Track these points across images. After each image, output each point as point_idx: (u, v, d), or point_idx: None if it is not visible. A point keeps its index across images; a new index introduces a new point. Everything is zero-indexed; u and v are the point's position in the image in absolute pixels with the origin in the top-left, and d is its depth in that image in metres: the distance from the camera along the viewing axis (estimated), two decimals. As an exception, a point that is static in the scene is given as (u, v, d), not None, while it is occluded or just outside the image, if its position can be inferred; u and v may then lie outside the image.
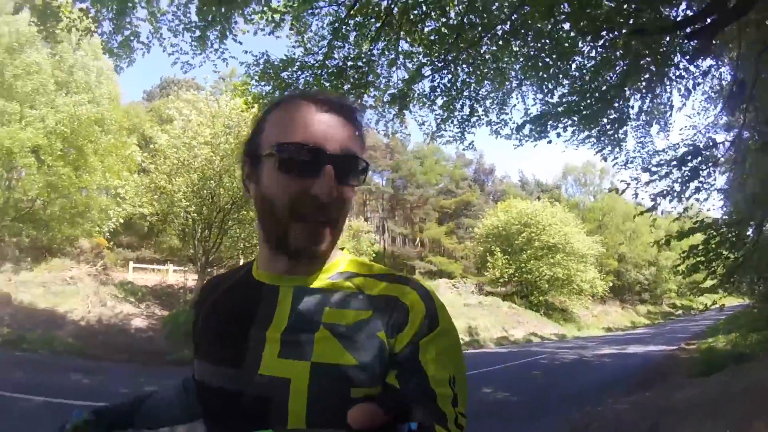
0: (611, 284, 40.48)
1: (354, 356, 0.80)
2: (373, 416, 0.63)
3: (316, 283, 0.89)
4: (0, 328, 11.94)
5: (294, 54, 8.06)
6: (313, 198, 0.81)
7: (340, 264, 0.94)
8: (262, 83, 8.20)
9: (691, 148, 9.32)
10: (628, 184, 9.27)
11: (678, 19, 6.76)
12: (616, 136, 9.22)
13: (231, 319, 0.93)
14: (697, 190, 9.45)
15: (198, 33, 7.18)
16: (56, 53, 17.27)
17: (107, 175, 19.14)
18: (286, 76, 7.97)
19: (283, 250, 0.88)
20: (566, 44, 7.28)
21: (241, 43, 7.57)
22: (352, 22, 7.56)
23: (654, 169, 9.16)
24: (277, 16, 7.31)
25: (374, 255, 33.26)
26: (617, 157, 9.61)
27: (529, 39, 7.41)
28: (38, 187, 17.02)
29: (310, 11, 7.64)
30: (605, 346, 20.62)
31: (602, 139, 9.35)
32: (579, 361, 15.08)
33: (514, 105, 9.34)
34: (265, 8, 7.11)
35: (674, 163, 8.85)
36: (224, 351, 0.89)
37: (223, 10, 6.77)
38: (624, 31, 6.32)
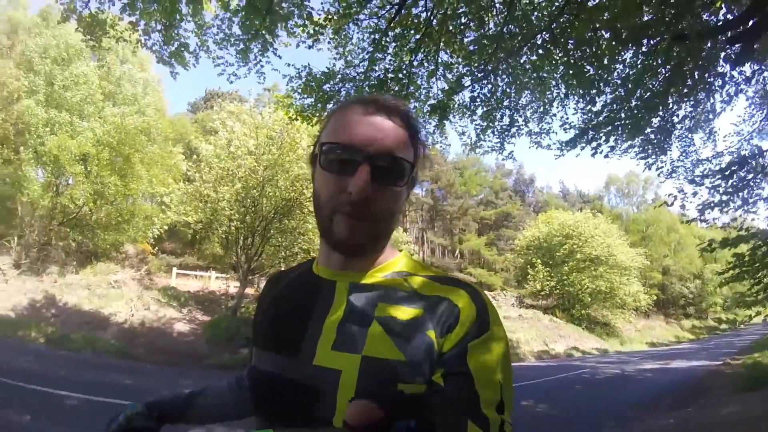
0: (655, 298, 39.19)
1: (403, 352, 0.81)
2: (371, 414, 0.64)
3: (372, 280, 0.92)
4: (45, 328, 12.40)
5: (335, 66, 8.16)
6: (348, 195, 0.84)
7: (396, 263, 0.96)
8: (305, 96, 8.30)
9: (736, 157, 9.07)
10: (675, 197, 9.07)
11: (719, 23, 6.59)
12: (659, 145, 9.03)
13: (291, 310, 0.97)
14: (744, 201, 9.20)
15: (241, 46, 7.35)
16: (104, 65, 17.89)
17: (153, 184, 19.69)
18: (327, 89, 8.07)
19: (329, 242, 0.93)
20: (607, 52, 7.19)
21: (280, 57, 7.68)
22: (392, 33, 7.62)
23: (699, 180, 8.95)
24: (318, 29, 7.41)
25: (420, 259, 33.19)
26: (661, 167, 9.41)
27: (569, 48, 7.33)
28: (86, 194, 17.62)
29: (350, 23, 7.74)
30: (648, 361, 20.06)
31: (646, 148, 9.16)
32: (621, 376, 14.70)
33: (554, 114, 9.23)
34: (307, 21, 7.21)
35: (719, 174, 8.64)
36: (283, 340, 0.93)
37: (266, 23, 6.91)
38: (665, 37, 6.21)
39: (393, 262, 0.96)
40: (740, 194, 8.96)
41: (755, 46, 5.91)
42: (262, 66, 7.61)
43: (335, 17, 7.42)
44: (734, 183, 8.61)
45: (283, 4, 6.98)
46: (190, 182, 18.30)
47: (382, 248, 0.96)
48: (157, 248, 25.45)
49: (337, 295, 0.92)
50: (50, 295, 15.24)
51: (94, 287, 16.68)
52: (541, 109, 9.17)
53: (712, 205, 8.89)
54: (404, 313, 0.85)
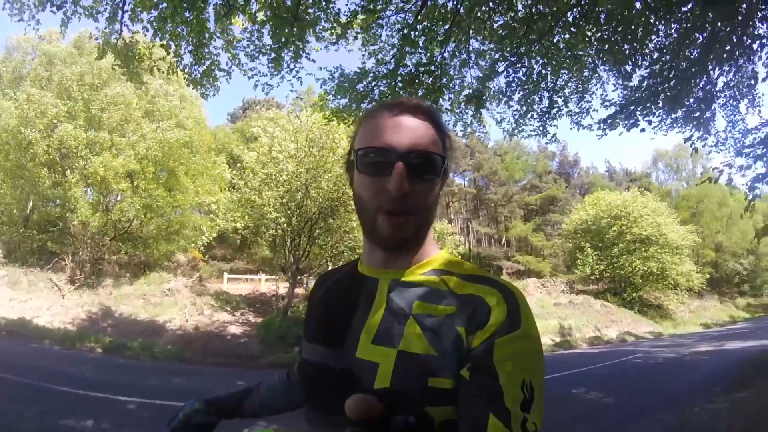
0: (708, 276, 37.81)
1: (434, 348, 0.85)
2: (370, 407, 0.65)
3: (411, 278, 0.97)
4: (102, 338, 12.92)
5: (366, 65, 8.19)
6: (388, 193, 0.89)
7: (435, 261, 0.99)
8: (339, 97, 8.37)
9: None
10: (721, 171, 8.75)
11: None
12: (703, 116, 8.72)
13: (338, 306, 1.04)
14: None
15: (273, 55, 7.47)
16: (142, 84, 18.47)
17: (199, 194, 20.23)
18: (361, 88, 8.09)
19: (374, 241, 0.99)
20: (640, 24, 7.00)
21: (314, 61, 7.77)
22: (420, 27, 7.58)
23: (747, 151, 8.61)
24: (345, 30, 7.46)
25: (459, 257, 32.93)
26: (706, 139, 9.09)
27: (601, 23, 7.18)
28: (135, 208, 18.31)
29: (377, 21, 7.76)
30: (702, 343, 19.43)
31: (689, 121, 8.87)
32: (674, 359, 14.30)
33: (593, 92, 9.04)
34: (335, 24, 7.27)
35: (763, 144, 8.29)
36: (330, 334, 1.00)
37: (295, 30, 7.01)
38: (697, 3, 6.03)
39: (433, 259, 1.00)
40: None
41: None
42: (297, 72, 7.69)
43: (362, 16, 7.45)
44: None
45: (309, 10, 7.05)
46: (235, 190, 18.71)
47: (423, 243, 1.00)
48: (207, 255, 26.18)
49: (379, 292, 0.97)
50: (106, 306, 15.91)
51: (149, 296, 17.33)
52: (580, 88, 8.99)
53: (761, 177, 8.54)
54: (438, 310, 0.89)
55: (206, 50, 7.44)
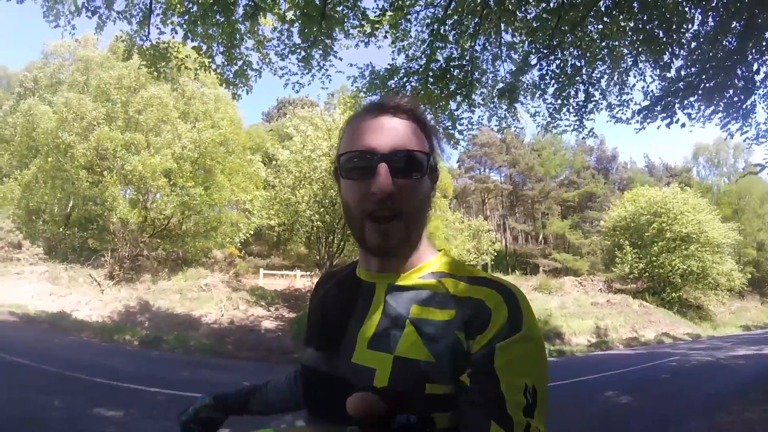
0: (749, 276, 36.22)
1: (432, 353, 0.84)
2: (372, 406, 0.66)
3: (407, 282, 0.95)
4: (139, 331, 13.31)
5: (396, 62, 8.17)
6: (373, 196, 0.88)
7: (433, 264, 0.98)
8: (370, 94, 8.35)
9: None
10: (763, 165, 8.47)
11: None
12: (743, 107, 8.44)
13: (335, 311, 1.03)
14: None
15: (303, 54, 7.52)
16: (177, 87, 18.94)
17: (235, 192, 20.59)
18: (393, 85, 8.07)
19: (364, 248, 0.98)
20: (675, 12, 6.82)
21: (341, 59, 7.76)
22: (449, 21, 7.55)
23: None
24: (374, 27, 7.46)
25: (495, 254, 32.67)
26: (747, 131, 8.79)
27: (635, 11, 7.01)
28: (172, 206, 18.82)
29: (406, 17, 7.74)
30: (741, 346, 18.66)
31: (729, 112, 8.59)
32: (711, 363, 13.81)
33: (633, 85, 8.76)
34: (363, 21, 7.25)
35: None
36: (327, 338, 0.99)
37: (323, 28, 7.05)
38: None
39: (430, 262, 0.99)
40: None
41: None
42: (327, 70, 7.72)
43: (390, 12, 7.44)
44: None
45: (338, 8, 7.07)
46: (270, 188, 18.97)
47: (417, 246, 0.99)
48: (243, 251, 26.64)
49: (376, 296, 0.96)
50: (144, 301, 16.37)
51: (186, 291, 17.75)
52: (618, 80, 8.79)
53: None
54: (436, 314, 0.88)
55: (237, 51, 7.56)
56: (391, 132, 0.91)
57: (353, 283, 1.04)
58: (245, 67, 7.79)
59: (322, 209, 17.00)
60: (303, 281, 23.14)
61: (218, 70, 7.87)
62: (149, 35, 7.51)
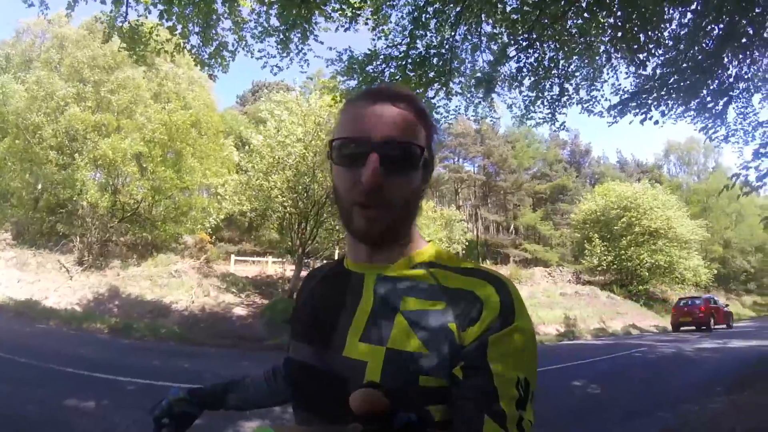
0: (715, 272, 37.52)
1: (425, 345, 0.82)
2: (374, 402, 0.63)
3: (398, 272, 0.93)
4: (109, 319, 13.08)
5: (376, 47, 8.12)
6: (361, 185, 0.86)
7: (424, 255, 0.96)
8: (348, 78, 8.28)
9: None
10: (738, 176, 8.58)
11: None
12: (716, 108, 8.61)
13: (324, 303, 1.01)
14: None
15: (281, 36, 7.41)
16: (151, 66, 18.55)
17: (207, 176, 20.32)
18: (371, 70, 8.02)
19: (353, 235, 0.95)
20: (655, 12, 6.88)
21: (322, 42, 7.68)
22: (431, 9, 7.50)
23: (764, 150, 8.47)
24: (355, 12, 7.37)
25: (467, 243, 32.98)
26: (717, 130, 8.96)
27: (614, 9, 7.06)
28: (143, 190, 18.50)
29: (388, 2, 7.67)
30: (707, 339, 19.27)
31: (702, 112, 8.75)
32: (677, 355, 14.18)
33: (605, 81, 8.91)
34: (344, 5, 7.18)
35: None
36: (316, 332, 0.96)
37: (303, 11, 6.93)
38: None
39: (420, 253, 0.97)
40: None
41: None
42: (304, 54, 7.64)
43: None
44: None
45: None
46: (243, 172, 18.78)
47: (407, 237, 0.97)
48: (215, 237, 26.32)
49: (366, 288, 0.94)
50: (113, 287, 16.07)
51: (156, 278, 17.47)
52: (591, 75, 8.87)
53: None
54: (427, 306, 0.86)
55: (214, 32, 7.41)
56: (386, 120, 0.88)
57: (341, 274, 1.02)
58: (221, 48, 7.63)
59: (295, 195, 16.87)
60: (275, 268, 23.05)
61: (193, 51, 7.70)
62: (127, 15, 7.29)
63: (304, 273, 19.20)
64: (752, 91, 8.54)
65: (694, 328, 22.97)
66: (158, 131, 18.68)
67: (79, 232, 18.67)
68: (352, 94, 8.40)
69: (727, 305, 27.49)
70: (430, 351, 0.81)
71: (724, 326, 24.11)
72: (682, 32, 7.37)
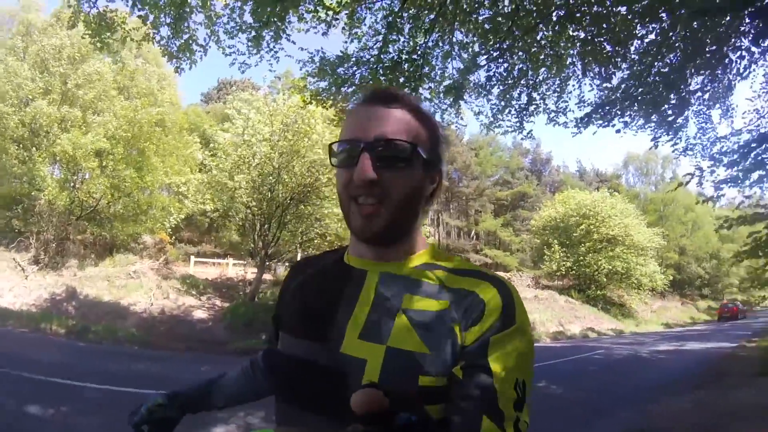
0: (671, 278, 39.00)
1: (426, 345, 0.83)
2: (376, 402, 0.63)
3: (401, 271, 0.94)
4: (66, 320, 12.65)
5: (348, 50, 8.09)
6: (354, 183, 0.88)
7: (425, 255, 0.97)
8: (319, 80, 8.23)
9: (755, 135, 8.89)
10: (692, 175, 8.93)
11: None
12: (676, 121, 8.88)
13: (321, 298, 0.99)
14: (761, 178, 9.05)
15: (253, 34, 7.31)
16: (119, 61, 18.06)
17: (169, 174, 19.86)
18: (342, 72, 8.00)
19: (352, 232, 0.96)
20: (623, 28, 7.05)
21: (294, 42, 7.60)
22: (406, 14, 7.51)
23: (717, 157, 8.80)
24: (330, 14, 7.34)
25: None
26: (677, 143, 9.26)
27: (585, 23, 7.20)
28: (102, 188, 17.83)
29: (364, 6, 7.65)
30: (663, 342, 20.01)
31: (662, 124, 9.02)
32: (635, 357, 14.68)
33: (571, 91, 9.08)
34: (319, 6, 7.14)
35: (738, 152, 8.50)
36: (312, 326, 0.94)
37: (278, 9, 6.85)
38: (683, 12, 6.07)
39: (423, 253, 0.98)
40: (757, 172, 8.82)
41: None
42: (276, 53, 7.55)
43: (348, 0, 7.34)
44: (751, 162, 8.47)
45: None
46: (206, 171, 18.47)
47: (408, 237, 0.97)
48: (174, 237, 25.70)
49: (367, 284, 0.94)
50: (70, 288, 15.51)
51: (114, 278, 16.95)
52: (558, 86, 9.03)
53: (728, 180, 8.77)
54: (430, 305, 0.86)
55: (185, 24, 7.24)
56: (380, 121, 0.91)
57: (341, 269, 1.01)
58: (191, 42, 7.47)
59: (259, 196, 16.63)
60: (235, 270, 22.60)
61: (162, 42, 7.50)
62: (96, 2, 7.06)
63: (266, 276, 19.02)
64: (711, 107, 8.84)
65: (729, 317, 37.90)
66: (122, 128, 18.12)
67: (36, 229, 17.92)
68: (322, 95, 8.38)
69: (745, 307, 41.14)
70: (431, 350, 0.82)
71: (743, 317, 39.16)
72: (648, 47, 7.54)
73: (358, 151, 0.88)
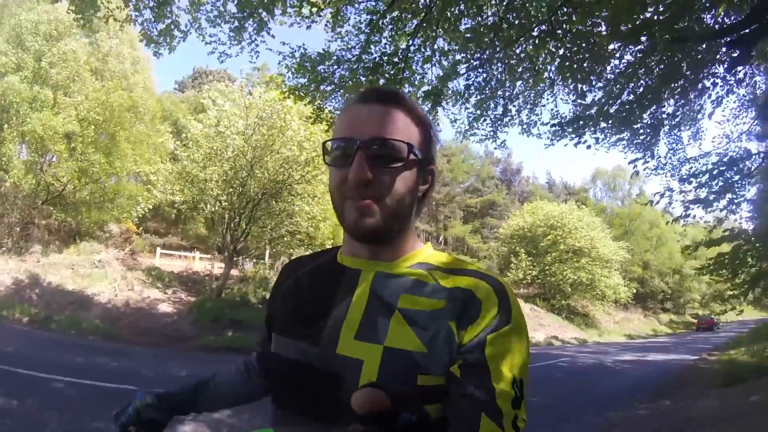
0: (634, 291, 39.91)
1: (424, 344, 0.82)
2: (378, 402, 0.63)
3: (396, 270, 0.93)
4: (28, 308, 12.29)
5: (330, 48, 8.07)
6: (349, 183, 0.87)
7: (422, 254, 0.97)
8: (298, 75, 8.20)
9: (725, 158, 9.16)
10: (662, 195, 9.16)
11: (719, 27, 6.62)
12: (647, 141, 9.09)
13: (314, 297, 0.98)
14: (730, 201, 9.32)
15: (236, 24, 7.24)
16: (93, 41, 17.61)
17: (138, 162, 19.43)
18: (322, 70, 7.98)
19: (346, 231, 0.94)
20: (603, 47, 7.18)
21: (274, 36, 7.57)
22: (390, 16, 7.52)
23: (687, 178, 9.04)
24: (315, 10, 7.31)
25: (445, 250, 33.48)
26: (647, 162, 9.48)
27: (566, 40, 7.31)
28: (70, 172, 17.34)
29: (348, 4, 7.65)
30: (626, 352, 20.42)
31: (634, 142, 9.22)
32: (600, 366, 14.95)
33: (545, 105, 9.20)
34: (305, 2, 7.12)
35: (708, 174, 8.74)
36: (305, 328, 0.93)
37: (264, 1, 6.81)
38: (664, 36, 6.21)
39: (418, 252, 0.97)
40: (726, 194, 9.08)
41: (752, 53, 5.94)
42: (257, 45, 7.50)
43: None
44: (720, 183, 8.72)
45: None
46: (177, 161, 18.15)
47: (403, 236, 0.96)
48: (141, 228, 25.20)
49: (362, 284, 0.93)
50: (33, 274, 15.02)
51: (78, 267, 16.48)
52: (533, 99, 9.15)
53: (697, 202, 9.01)
54: (426, 304, 0.86)
55: (168, 9, 7.14)
56: (373, 120, 0.90)
57: (334, 269, 0.99)
58: (172, 27, 7.36)
59: (230, 190, 16.41)
60: (202, 264, 22.20)
61: (144, 26, 7.39)
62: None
63: (233, 271, 18.79)
64: (682, 129, 9.08)
65: (706, 327, 42.81)
66: (94, 111, 17.64)
67: (0, 212, 17.45)
68: (300, 91, 8.35)
69: (717, 319, 43.42)
70: (429, 350, 0.82)
71: (716, 327, 43.25)
72: (624, 68, 7.70)
73: (353, 150, 0.87)
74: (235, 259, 18.32)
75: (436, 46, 8.16)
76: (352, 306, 0.90)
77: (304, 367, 0.90)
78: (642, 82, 7.77)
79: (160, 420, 1.11)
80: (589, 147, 8.83)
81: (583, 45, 7.24)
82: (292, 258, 1.22)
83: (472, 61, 7.97)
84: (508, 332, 0.83)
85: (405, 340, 0.83)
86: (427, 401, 0.80)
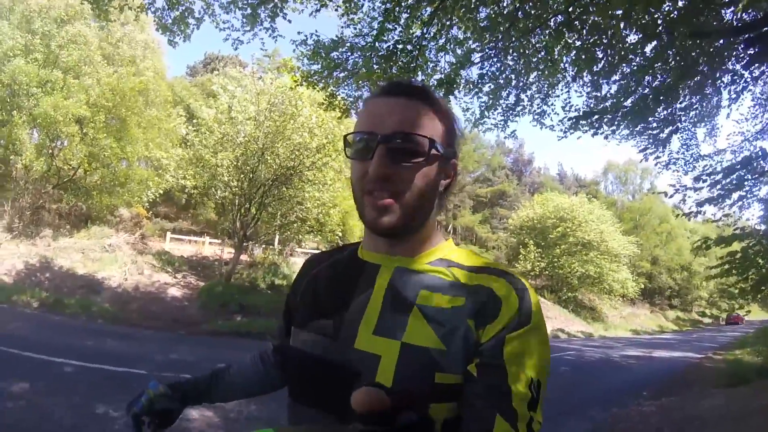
0: (642, 286, 39.78)
1: (442, 342, 0.81)
2: (377, 401, 0.62)
3: (416, 266, 0.92)
4: (39, 292, 12.39)
5: (343, 34, 8.03)
6: (369, 177, 0.87)
7: (442, 250, 0.96)
8: (312, 62, 8.17)
9: (741, 157, 9.05)
10: (677, 189, 9.07)
11: (738, 24, 6.53)
12: (661, 136, 9.00)
13: (334, 292, 0.97)
14: (741, 198, 9.23)
15: (249, 11, 7.22)
16: (104, 26, 17.57)
17: (149, 147, 19.46)
18: (335, 57, 7.95)
19: (366, 225, 0.93)
20: (621, 41, 7.09)
21: (290, 21, 7.55)
22: (404, 4, 7.47)
23: (701, 176, 8.94)
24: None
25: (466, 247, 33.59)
26: (660, 157, 9.38)
27: (583, 32, 7.23)
28: (80, 156, 17.39)
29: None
30: (632, 347, 20.36)
31: (648, 136, 9.14)
32: (605, 360, 14.93)
33: (558, 95, 9.12)
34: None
35: (721, 172, 8.65)
36: (324, 322, 0.93)
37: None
38: (682, 31, 6.12)
39: (439, 248, 0.96)
40: (738, 193, 8.99)
41: (771, 50, 5.85)
42: (273, 31, 7.48)
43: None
44: (733, 181, 8.62)
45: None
46: (188, 147, 18.18)
47: (423, 231, 0.95)
48: (151, 212, 25.30)
49: (381, 279, 0.92)
50: (44, 258, 15.17)
51: (88, 251, 16.63)
52: (546, 90, 9.07)
53: (709, 200, 8.93)
54: (445, 301, 0.85)
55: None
56: (397, 114, 0.88)
57: (354, 264, 0.99)
58: (186, 14, 7.35)
59: (241, 175, 16.47)
60: (212, 249, 22.35)
61: (157, 14, 7.38)
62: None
63: (243, 257, 18.86)
64: (697, 125, 8.98)
65: (733, 323, 46.41)
66: (105, 96, 17.63)
67: (11, 196, 17.43)
68: (313, 77, 8.32)
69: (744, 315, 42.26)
70: (447, 347, 0.81)
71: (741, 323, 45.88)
72: (642, 61, 7.61)
73: (374, 144, 0.86)
74: (244, 244, 18.37)
75: (450, 35, 8.10)
76: (371, 301, 0.90)
77: (321, 361, 0.89)
78: (659, 76, 7.69)
79: (173, 409, 1.12)
80: (606, 138, 8.77)
81: (601, 38, 7.16)
82: (315, 253, 1.22)
83: (487, 50, 7.90)
84: (527, 332, 0.81)
85: (423, 336, 0.82)
86: (443, 399, 0.79)
